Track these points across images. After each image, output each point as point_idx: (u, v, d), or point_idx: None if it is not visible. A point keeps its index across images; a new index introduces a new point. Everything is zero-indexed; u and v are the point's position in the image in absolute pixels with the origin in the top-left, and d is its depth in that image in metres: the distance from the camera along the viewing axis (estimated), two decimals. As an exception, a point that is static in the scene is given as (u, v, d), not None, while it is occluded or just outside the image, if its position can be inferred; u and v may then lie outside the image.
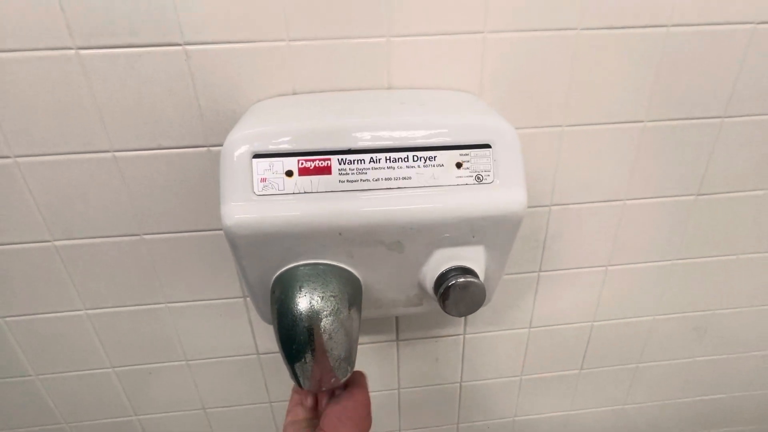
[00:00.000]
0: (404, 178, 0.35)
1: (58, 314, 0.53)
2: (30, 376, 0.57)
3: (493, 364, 0.66)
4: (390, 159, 0.35)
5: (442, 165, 0.35)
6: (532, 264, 0.57)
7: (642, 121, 0.49)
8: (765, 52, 0.46)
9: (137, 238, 0.49)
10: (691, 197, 0.54)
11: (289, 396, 0.45)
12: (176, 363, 0.59)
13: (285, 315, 0.35)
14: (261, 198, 0.34)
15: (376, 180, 0.35)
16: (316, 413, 0.42)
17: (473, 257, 0.39)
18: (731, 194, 0.55)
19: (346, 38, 0.42)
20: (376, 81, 0.44)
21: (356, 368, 0.46)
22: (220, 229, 0.35)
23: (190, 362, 0.59)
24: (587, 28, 0.43)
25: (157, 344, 0.57)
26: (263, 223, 0.34)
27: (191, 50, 0.41)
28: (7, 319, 0.53)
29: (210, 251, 0.51)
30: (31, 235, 0.48)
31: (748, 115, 0.50)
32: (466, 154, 0.36)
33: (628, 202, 0.54)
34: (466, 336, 0.62)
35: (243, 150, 0.34)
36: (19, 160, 0.44)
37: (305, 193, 0.34)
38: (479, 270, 0.39)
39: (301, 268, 0.37)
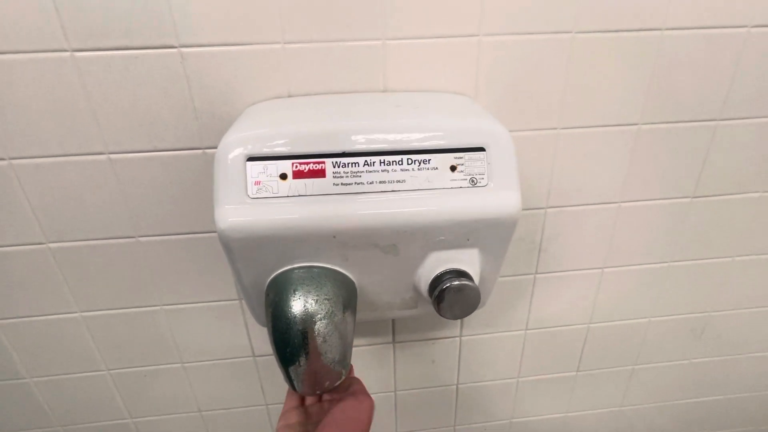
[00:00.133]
0: (398, 181, 0.35)
1: (53, 317, 0.53)
2: (24, 378, 0.57)
3: (489, 366, 0.66)
4: (384, 162, 0.35)
5: (437, 168, 0.35)
6: (529, 266, 0.57)
7: (637, 124, 0.49)
8: (759, 55, 0.46)
9: (132, 240, 0.49)
10: (687, 199, 0.54)
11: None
12: (172, 365, 0.59)
13: (279, 318, 0.35)
14: (255, 201, 0.34)
15: (371, 183, 0.35)
16: (310, 418, 0.42)
17: (468, 260, 0.39)
18: (726, 196, 0.55)
19: (341, 41, 0.42)
20: (371, 84, 0.44)
21: (353, 372, 0.46)
22: (216, 232, 0.35)
23: (186, 365, 0.59)
24: (582, 32, 0.44)
25: (152, 346, 0.57)
26: (257, 227, 0.34)
27: (186, 53, 0.41)
28: (1, 321, 0.53)
29: (205, 253, 0.51)
30: (25, 237, 0.48)
31: (742, 118, 0.50)
32: (461, 158, 0.36)
33: (623, 204, 0.54)
34: (463, 338, 0.62)
35: (237, 153, 0.34)
36: (14, 162, 0.44)
37: (299, 196, 0.34)
38: (474, 273, 0.39)
39: (296, 271, 0.37)
